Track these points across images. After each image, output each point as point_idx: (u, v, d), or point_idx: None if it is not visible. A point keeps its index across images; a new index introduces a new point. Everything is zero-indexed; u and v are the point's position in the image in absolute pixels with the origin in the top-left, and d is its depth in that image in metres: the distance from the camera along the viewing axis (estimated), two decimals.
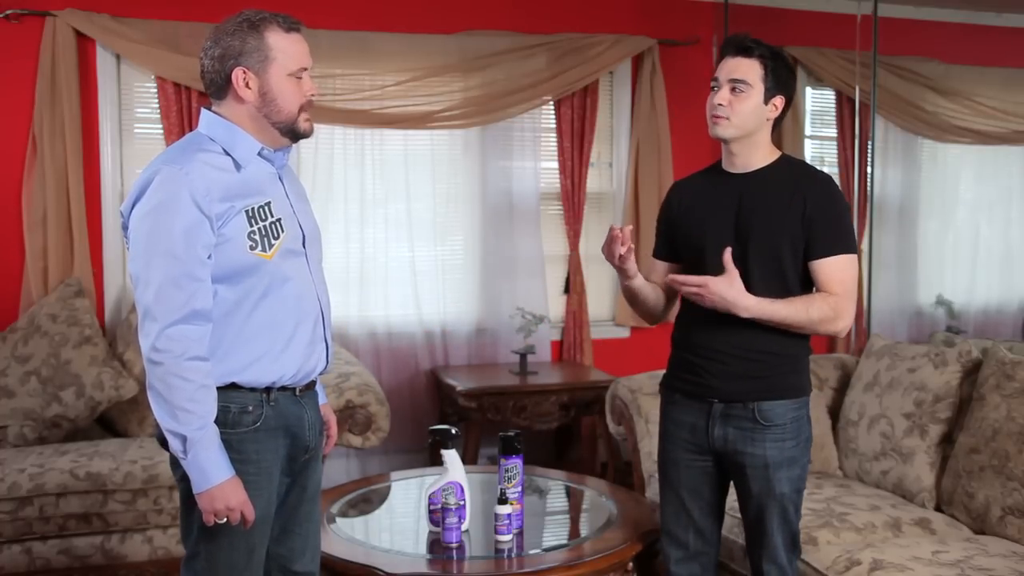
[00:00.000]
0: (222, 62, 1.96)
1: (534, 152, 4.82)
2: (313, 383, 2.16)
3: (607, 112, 4.98)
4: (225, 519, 1.93)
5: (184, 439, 1.88)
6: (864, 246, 4.62)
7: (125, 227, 1.97)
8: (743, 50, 2.32)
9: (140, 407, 3.86)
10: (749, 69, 2.30)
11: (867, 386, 3.33)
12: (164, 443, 2.02)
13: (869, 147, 4.60)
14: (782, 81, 2.34)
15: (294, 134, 2.04)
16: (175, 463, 2.02)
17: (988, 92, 5.19)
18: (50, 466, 3.34)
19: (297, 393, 2.09)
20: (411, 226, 4.69)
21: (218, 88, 2.00)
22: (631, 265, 2.39)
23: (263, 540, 2.06)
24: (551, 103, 4.80)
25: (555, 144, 4.85)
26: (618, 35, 4.81)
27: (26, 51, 4.09)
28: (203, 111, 2.05)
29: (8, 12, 4.06)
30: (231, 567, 2.01)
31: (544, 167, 4.87)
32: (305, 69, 2.02)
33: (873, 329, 4.37)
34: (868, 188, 4.60)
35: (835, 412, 3.48)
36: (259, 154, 2.02)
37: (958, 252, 5.32)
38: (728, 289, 2.24)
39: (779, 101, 2.34)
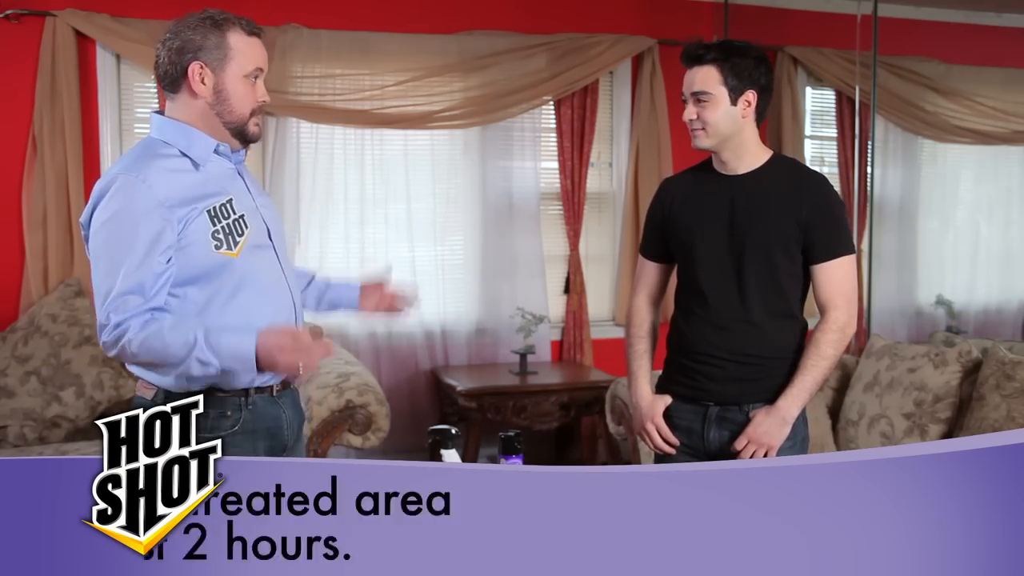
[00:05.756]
0: (180, 55, 1.94)
1: (534, 152, 4.82)
2: (289, 381, 2.15)
3: (607, 112, 4.98)
4: (303, 362, 1.89)
5: (201, 364, 1.87)
6: (864, 246, 4.62)
7: (87, 239, 1.93)
8: (695, 59, 2.27)
9: None
10: (706, 77, 2.25)
11: (867, 386, 3.33)
12: None
13: (869, 147, 4.60)
14: (746, 76, 2.25)
15: (243, 137, 2.02)
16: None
17: (988, 92, 5.19)
18: None
19: (274, 393, 2.07)
20: (411, 226, 4.69)
21: (172, 81, 1.97)
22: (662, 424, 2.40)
23: None
24: (551, 103, 4.80)
25: (555, 144, 4.85)
26: (618, 35, 4.81)
27: (26, 51, 4.09)
28: (153, 116, 2.02)
29: (8, 12, 4.05)
30: None
31: (544, 167, 4.87)
32: (261, 70, 2.00)
33: (873, 329, 4.36)
34: (868, 188, 4.61)
35: (835, 412, 3.48)
36: (216, 151, 2.00)
37: (958, 252, 5.32)
38: (767, 425, 2.25)
39: (750, 96, 2.27)
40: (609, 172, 5.04)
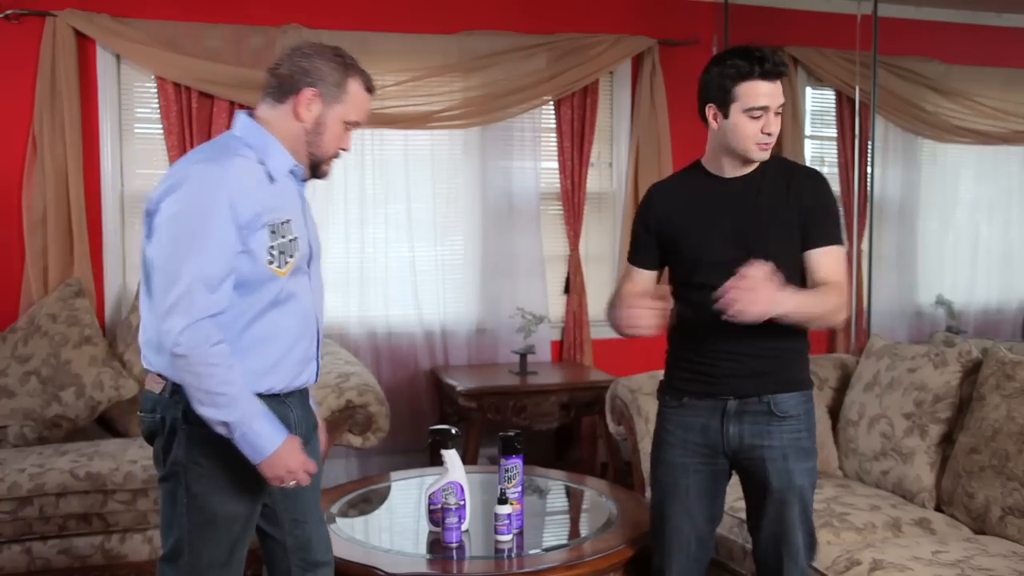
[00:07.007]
0: (303, 74, 2.03)
1: (534, 152, 4.82)
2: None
3: (607, 112, 4.98)
4: (294, 483, 1.99)
5: (227, 424, 1.91)
6: (864, 246, 4.63)
7: (149, 213, 1.97)
8: (777, 73, 2.28)
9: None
10: (783, 90, 2.30)
11: (867, 386, 3.33)
12: (150, 438, 2.05)
13: (869, 147, 4.60)
14: None
15: (315, 171, 2.12)
16: (159, 459, 2.04)
17: (988, 92, 5.19)
18: (50, 466, 3.34)
19: (282, 395, 2.10)
20: (411, 226, 4.69)
21: (283, 92, 2.04)
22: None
23: (246, 536, 2.09)
24: (551, 103, 4.80)
25: (555, 144, 4.85)
26: (618, 35, 4.81)
27: (26, 51, 4.09)
28: (240, 114, 2.08)
29: (8, 12, 4.06)
30: (213, 563, 2.03)
31: (544, 167, 4.87)
32: (358, 124, 2.11)
33: (873, 329, 4.36)
34: (868, 188, 4.60)
35: (835, 412, 3.48)
36: (290, 171, 2.07)
37: (958, 252, 5.32)
38: (771, 285, 2.08)
39: None
40: (609, 172, 5.04)
